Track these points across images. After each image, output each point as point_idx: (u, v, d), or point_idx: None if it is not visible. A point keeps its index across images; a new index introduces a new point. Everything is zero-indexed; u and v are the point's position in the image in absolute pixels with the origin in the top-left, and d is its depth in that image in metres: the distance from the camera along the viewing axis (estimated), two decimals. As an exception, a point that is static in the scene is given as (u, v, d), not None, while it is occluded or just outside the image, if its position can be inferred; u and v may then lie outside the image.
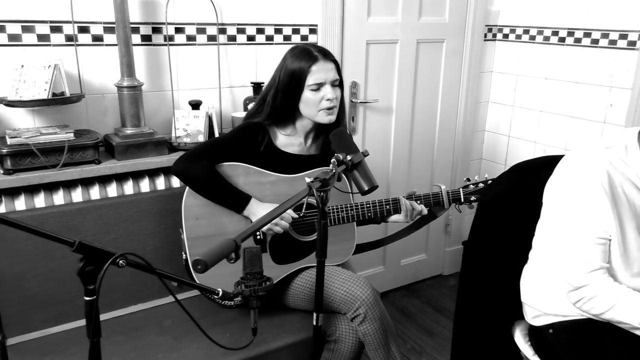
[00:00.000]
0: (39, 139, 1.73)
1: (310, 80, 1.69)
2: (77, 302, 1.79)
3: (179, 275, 1.18)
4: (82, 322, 1.75)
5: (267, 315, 1.80)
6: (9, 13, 1.75)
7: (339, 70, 1.75)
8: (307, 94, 1.71)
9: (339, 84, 1.75)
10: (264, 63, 2.26)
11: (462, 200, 1.87)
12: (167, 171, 2.00)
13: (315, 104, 1.71)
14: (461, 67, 2.85)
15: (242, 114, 2.12)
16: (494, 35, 2.90)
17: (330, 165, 1.32)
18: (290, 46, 1.78)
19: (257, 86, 2.16)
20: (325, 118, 1.73)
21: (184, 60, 2.10)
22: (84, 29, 1.88)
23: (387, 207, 1.78)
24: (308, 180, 1.23)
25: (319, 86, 1.70)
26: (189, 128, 2.03)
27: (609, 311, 1.37)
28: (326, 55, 1.72)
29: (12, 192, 1.77)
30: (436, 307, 2.89)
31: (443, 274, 3.24)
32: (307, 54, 1.70)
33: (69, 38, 1.86)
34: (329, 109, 1.72)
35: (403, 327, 2.68)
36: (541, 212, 1.57)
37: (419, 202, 1.81)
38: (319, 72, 1.69)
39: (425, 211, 1.82)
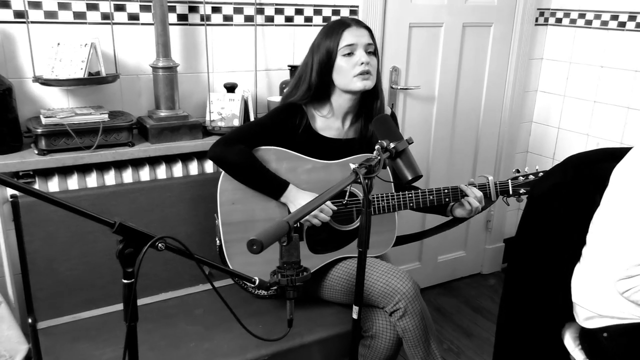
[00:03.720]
0: (73, 120, 1.70)
1: (343, 43, 1.63)
2: (108, 288, 1.77)
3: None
4: (113, 308, 1.75)
5: (301, 307, 1.73)
6: (45, -10, 1.72)
7: (373, 38, 1.68)
8: (339, 62, 1.65)
9: (373, 50, 1.67)
10: (302, 45, 2.18)
11: (511, 192, 1.77)
12: (200, 156, 1.96)
13: (348, 70, 1.64)
14: (509, 53, 2.71)
15: (278, 98, 2.06)
16: (546, 20, 2.74)
17: (375, 152, 1.27)
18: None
19: (294, 69, 2.08)
20: (359, 84, 1.64)
21: (220, 41, 2.04)
22: (120, 7, 1.83)
23: (447, 193, 1.70)
24: (353, 166, 1.18)
25: (351, 49, 1.63)
26: (224, 112, 1.97)
27: None
28: (359, 22, 1.68)
29: (45, 173, 1.75)
30: (474, 307, 2.77)
31: (482, 272, 3.12)
32: (339, 22, 1.68)
33: (105, 16, 1.81)
34: (363, 73, 1.63)
35: (439, 326, 2.57)
36: (602, 201, 1.47)
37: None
38: (351, 35, 1.63)
39: (479, 207, 1.73)
